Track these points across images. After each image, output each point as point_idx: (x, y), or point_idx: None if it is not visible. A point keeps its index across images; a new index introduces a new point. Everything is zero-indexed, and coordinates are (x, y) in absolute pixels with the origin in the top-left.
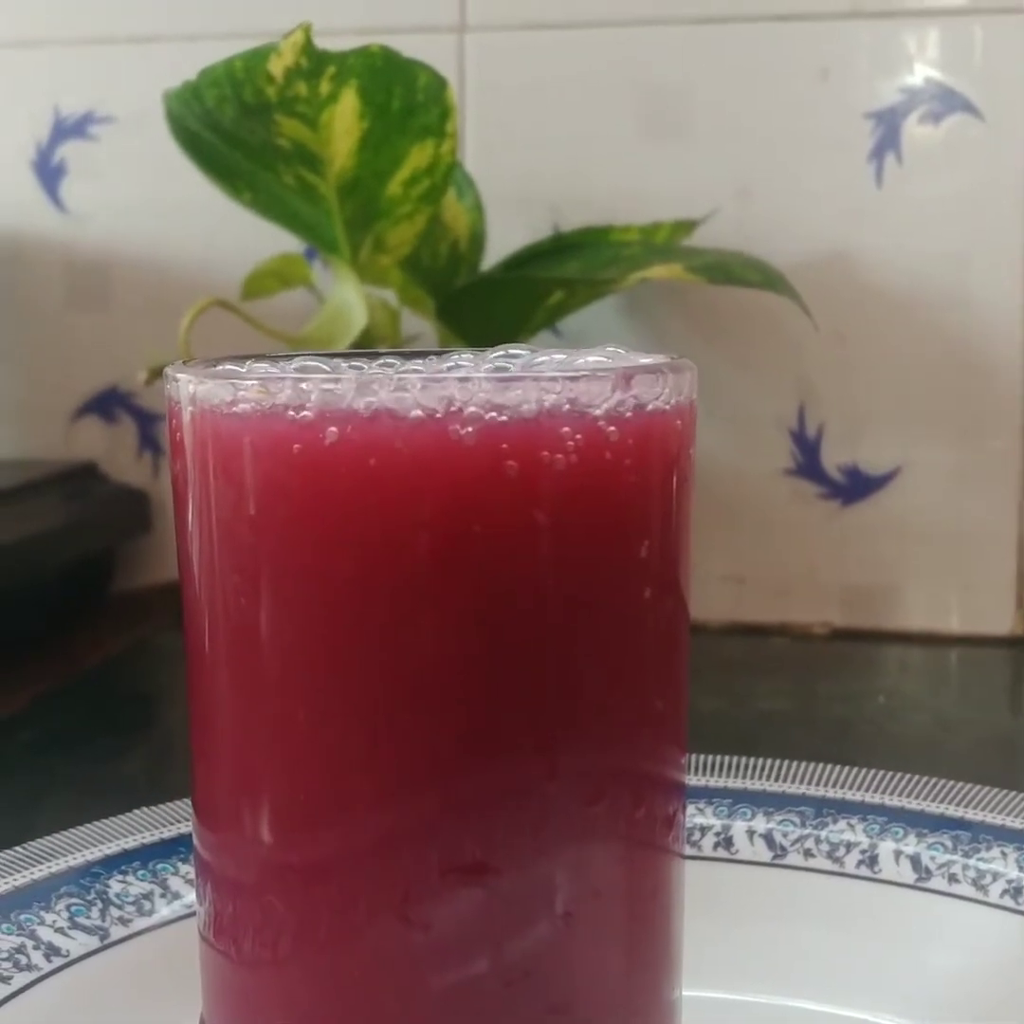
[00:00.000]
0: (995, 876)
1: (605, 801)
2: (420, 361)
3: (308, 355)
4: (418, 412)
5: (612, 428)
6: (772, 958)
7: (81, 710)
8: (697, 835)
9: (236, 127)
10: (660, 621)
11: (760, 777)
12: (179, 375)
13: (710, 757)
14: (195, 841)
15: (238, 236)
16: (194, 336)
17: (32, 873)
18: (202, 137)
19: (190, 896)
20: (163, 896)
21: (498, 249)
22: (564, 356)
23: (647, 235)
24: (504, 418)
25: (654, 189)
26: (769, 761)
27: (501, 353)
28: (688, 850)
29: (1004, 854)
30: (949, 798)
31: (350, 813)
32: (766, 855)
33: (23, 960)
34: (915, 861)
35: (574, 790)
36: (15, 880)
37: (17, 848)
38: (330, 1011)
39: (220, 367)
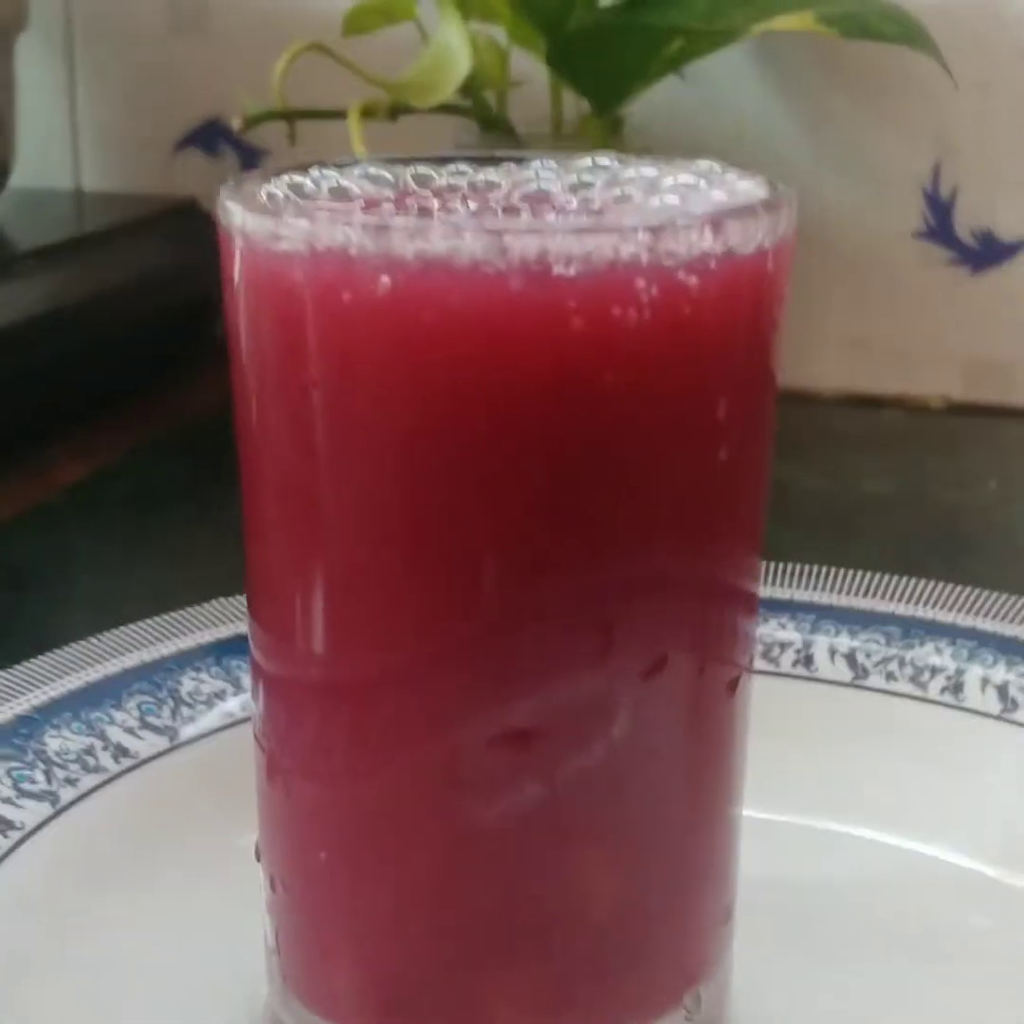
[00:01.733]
0: None
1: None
2: (494, 169)
3: (376, 161)
4: (474, 263)
5: (693, 279)
6: (840, 783)
7: (180, 461)
8: (776, 651)
9: None
10: (738, 482)
11: (847, 592)
12: (228, 203)
13: (796, 566)
14: (250, 643)
15: None
16: (291, 79)
17: (105, 668)
18: None
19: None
20: (235, 694)
21: None
22: (654, 171)
23: None
24: (572, 271)
25: None
26: (858, 574)
27: (587, 165)
28: (765, 666)
29: None
30: None
31: (399, 644)
32: (847, 675)
33: (92, 762)
34: (1002, 691)
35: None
36: (88, 675)
37: (92, 639)
38: (370, 840)
39: (273, 186)
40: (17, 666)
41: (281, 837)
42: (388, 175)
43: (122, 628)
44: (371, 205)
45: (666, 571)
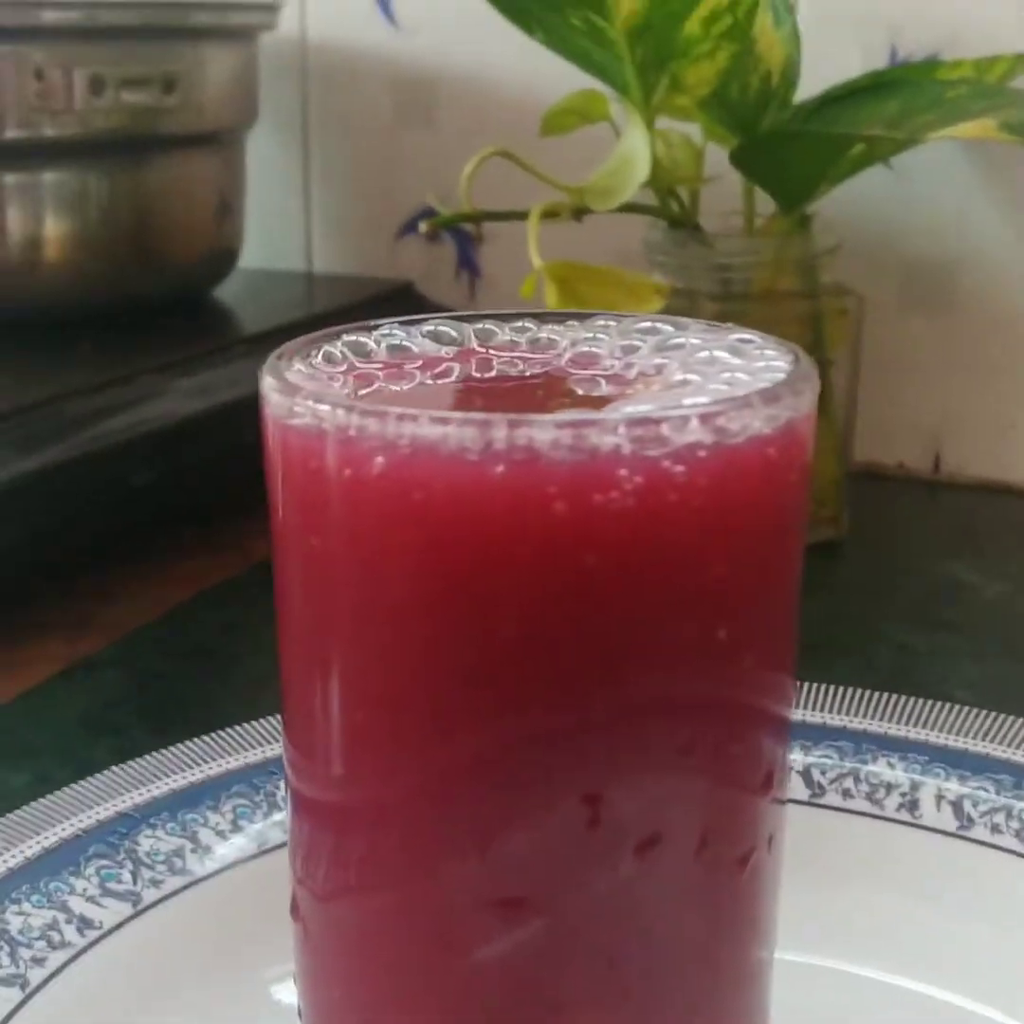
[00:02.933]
0: None
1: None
2: (556, 327)
3: (447, 318)
4: (458, 448)
5: (679, 467)
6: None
7: None
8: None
9: None
10: (739, 658)
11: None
12: (267, 376)
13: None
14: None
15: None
16: (492, 178)
17: (61, 830)
18: None
19: (221, 849)
20: (194, 851)
21: (831, 73)
22: (699, 339)
23: (980, 71)
24: (555, 459)
25: (1003, 12)
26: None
27: (644, 326)
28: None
29: None
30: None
31: (394, 808)
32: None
33: (56, 937)
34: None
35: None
36: (45, 839)
37: (46, 799)
38: (375, 986)
39: (336, 345)
40: None
41: (300, 969)
42: (452, 332)
43: (78, 784)
44: (421, 366)
45: (658, 746)
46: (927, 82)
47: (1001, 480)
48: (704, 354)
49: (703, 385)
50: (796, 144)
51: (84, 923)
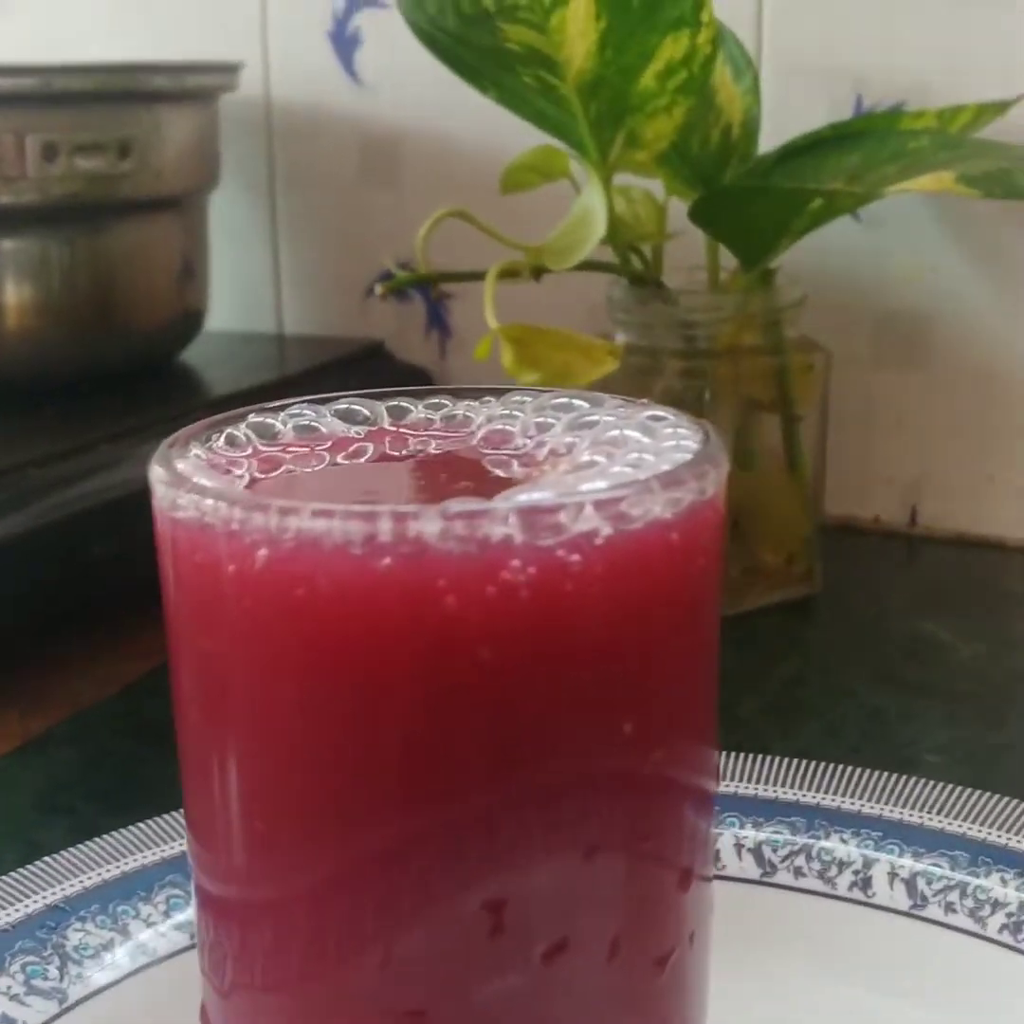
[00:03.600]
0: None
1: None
2: (472, 403)
3: (360, 396)
4: (343, 542)
5: (575, 556)
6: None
7: None
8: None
9: (464, 32)
10: (645, 751)
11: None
12: (155, 466)
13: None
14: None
15: None
16: (439, 238)
17: None
18: (438, 37)
19: (143, 937)
20: (124, 944)
21: (797, 124)
22: (612, 417)
23: (944, 121)
24: (445, 551)
25: (970, 61)
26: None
27: (559, 402)
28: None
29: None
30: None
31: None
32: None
33: None
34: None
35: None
36: None
37: None
38: None
39: (241, 428)
40: None
41: None
42: (364, 411)
43: (7, 875)
44: (330, 447)
45: (563, 846)
46: (890, 133)
47: (978, 534)
48: (615, 433)
49: (607, 468)
50: (755, 199)
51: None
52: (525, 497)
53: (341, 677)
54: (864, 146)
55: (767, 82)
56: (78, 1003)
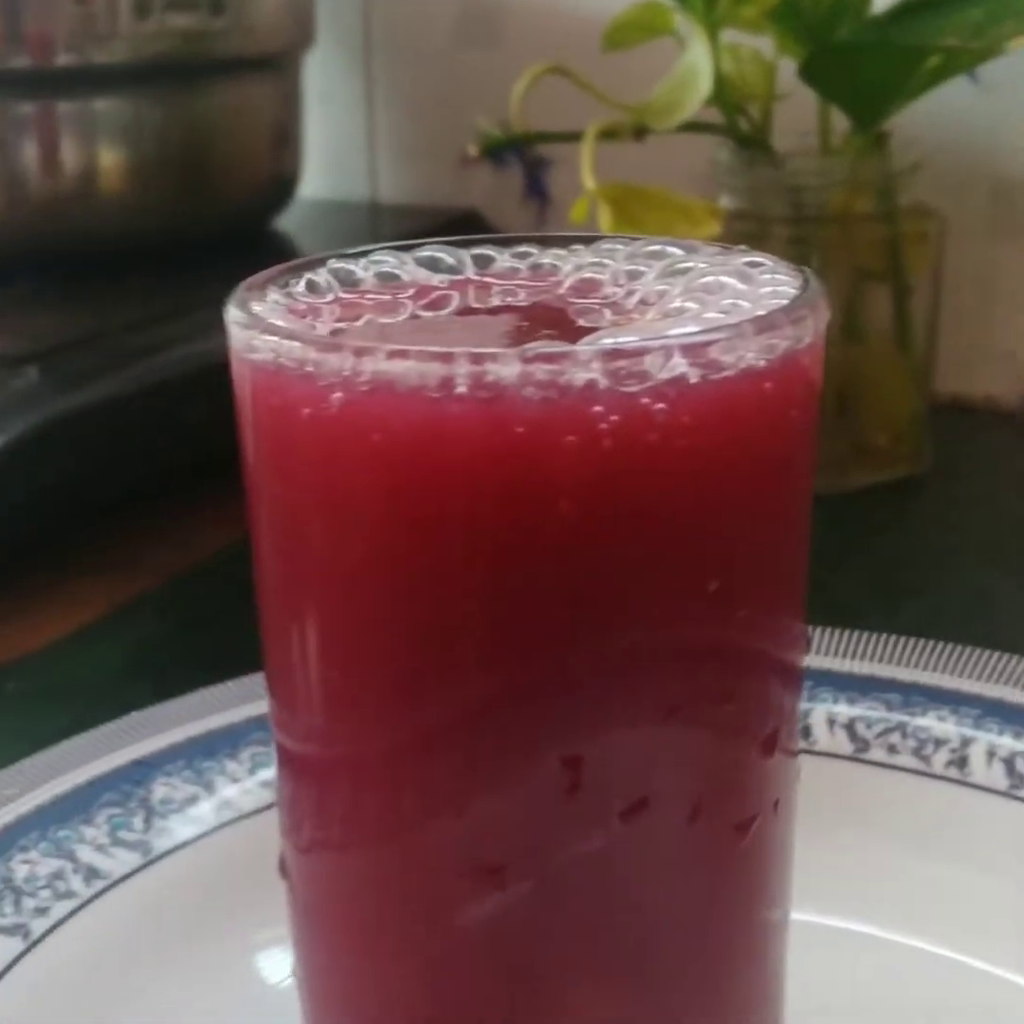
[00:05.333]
0: None
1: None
2: (559, 251)
3: (442, 244)
4: (419, 385)
5: (659, 404)
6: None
7: None
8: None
9: None
10: (732, 610)
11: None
12: (231, 307)
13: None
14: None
15: None
16: (538, 100)
17: (73, 778)
18: None
19: (229, 793)
20: (209, 800)
21: None
22: (706, 263)
23: None
24: (525, 393)
25: None
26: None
27: (650, 250)
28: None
29: None
30: None
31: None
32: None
33: (62, 886)
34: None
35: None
36: (54, 787)
37: (79, 737)
38: (361, 947)
39: (322, 273)
40: None
41: (291, 929)
42: (448, 258)
43: (93, 731)
44: (412, 296)
45: (643, 705)
46: None
47: None
48: (709, 279)
49: (699, 313)
50: (869, 56)
51: (92, 874)
52: (610, 341)
53: (414, 527)
54: (985, 1)
55: None
56: (162, 856)
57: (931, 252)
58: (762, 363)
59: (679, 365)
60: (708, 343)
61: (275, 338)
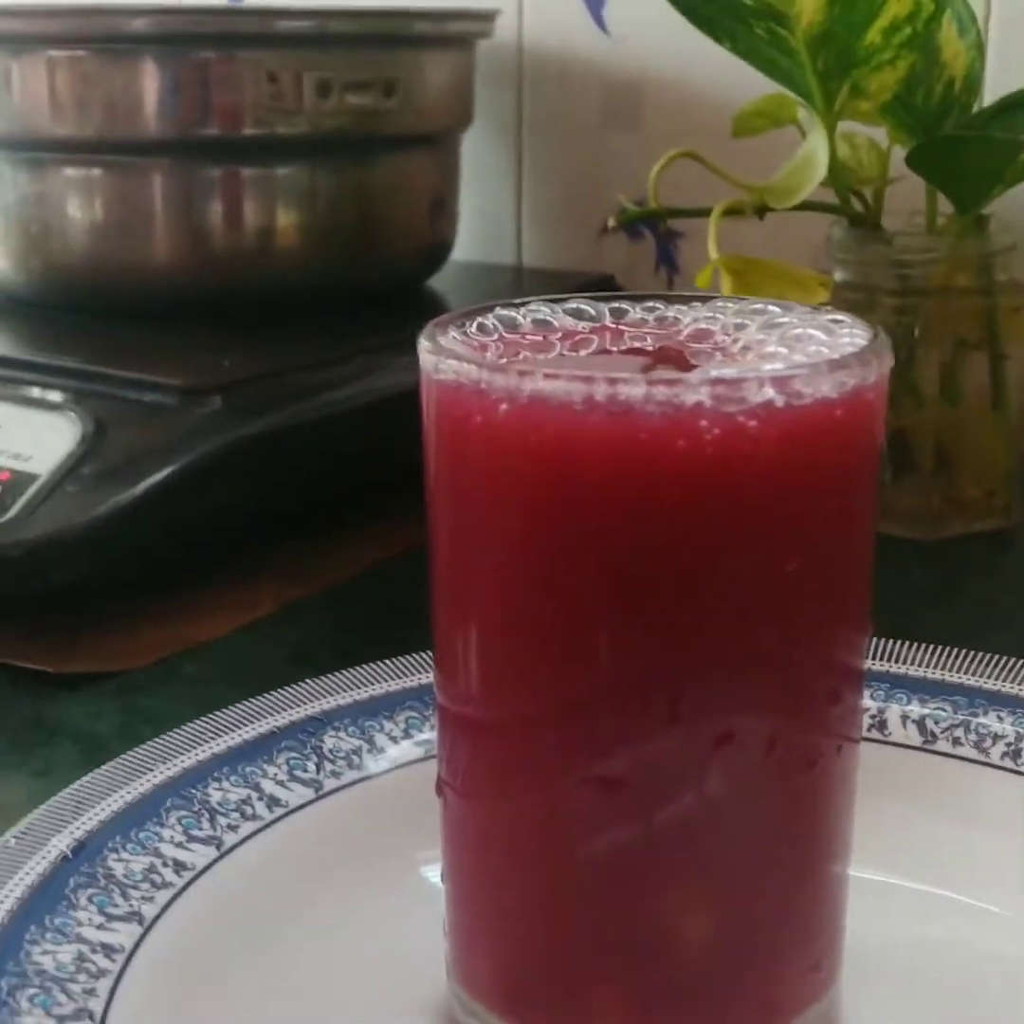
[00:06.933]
0: None
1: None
2: (681, 307)
3: (586, 297)
4: (567, 400)
5: (753, 422)
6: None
7: None
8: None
9: None
10: (808, 592)
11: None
12: (422, 339)
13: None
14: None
15: None
16: (671, 179)
17: (257, 727)
18: None
19: (394, 751)
20: (370, 751)
21: (1015, 80)
22: (796, 320)
23: None
24: (648, 409)
25: None
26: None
27: (754, 308)
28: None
29: None
30: None
31: (518, 703)
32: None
33: (249, 810)
34: None
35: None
36: (242, 734)
37: (250, 701)
38: (499, 854)
39: (489, 317)
40: (180, 728)
41: (445, 840)
42: (590, 310)
43: (277, 691)
44: (560, 338)
45: (732, 657)
46: None
47: None
48: (799, 331)
49: (788, 356)
50: (969, 147)
51: (273, 802)
52: (716, 372)
53: (561, 511)
54: None
55: (995, 38)
56: (332, 791)
57: None
58: (835, 394)
59: (768, 393)
60: (792, 377)
61: (456, 361)
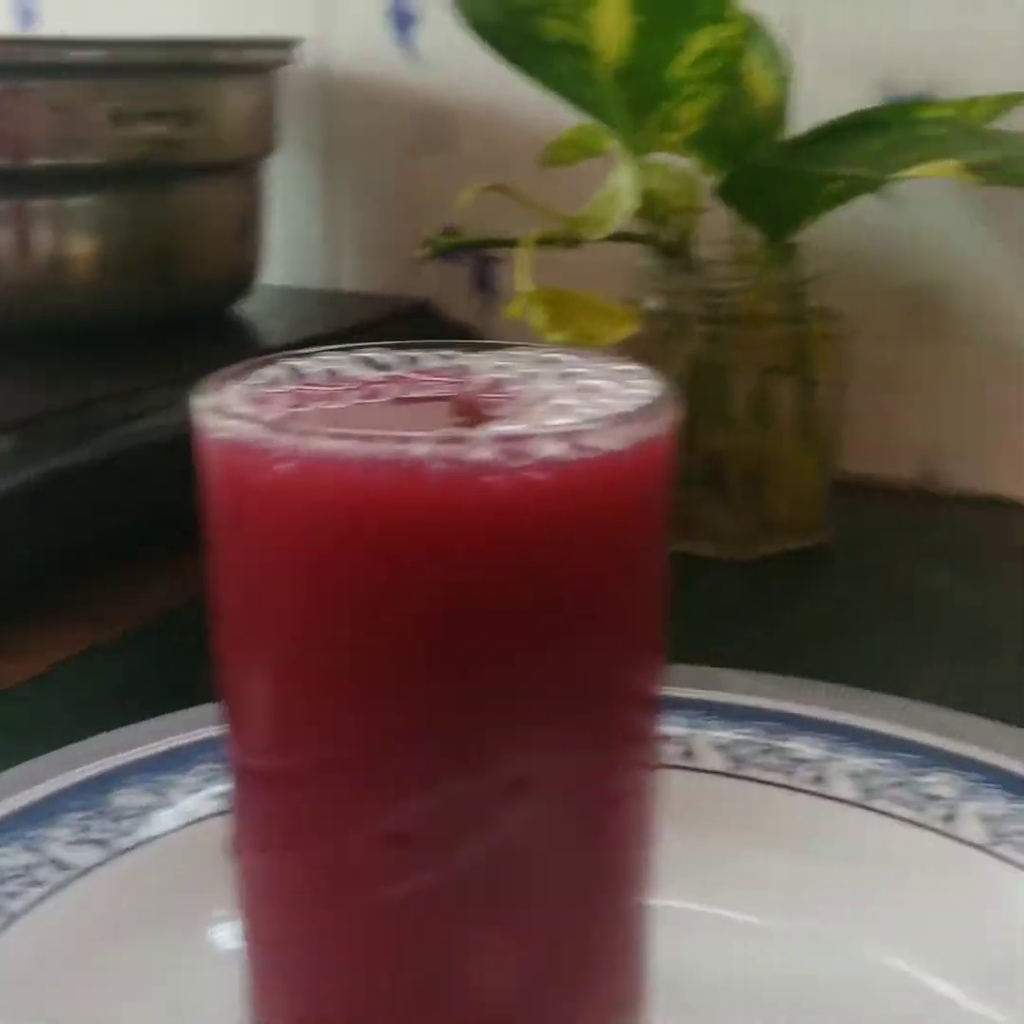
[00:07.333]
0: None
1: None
2: (476, 355)
3: (378, 346)
4: (350, 460)
5: (542, 476)
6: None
7: None
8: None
9: (507, 23)
10: (601, 638)
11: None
12: (198, 396)
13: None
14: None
15: None
16: (485, 205)
17: (42, 788)
18: (484, 27)
19: (188, 805)
20: (162, 808)
21: (828, 109)
22: (591, 369)
23: (964, 111)
24: (436, 466)
25: (993, 52)
26: None
27: (547, 357)
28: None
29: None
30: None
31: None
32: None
33: (34, 876)
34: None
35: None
36: (24, 797)
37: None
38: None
39: (277, 367)
40: None
41: (240, 897)
42: (384, 359)
43: (55, 752)
44: (350, 389)
45: (524, 709)
46: (910, 122)
47: (991, 493)
48: (591, 382)
49: (579, 408)
50: (778, 179)
51: (60, 866)
52: (503, 428)
53: (345, 572)
54: (885, 134)
55: (802, 70)
56: (123, 852)
57: (836, 350)
58: (621, 448)
59: (558, 448)
60: (579, 431)
61: (236, 421)
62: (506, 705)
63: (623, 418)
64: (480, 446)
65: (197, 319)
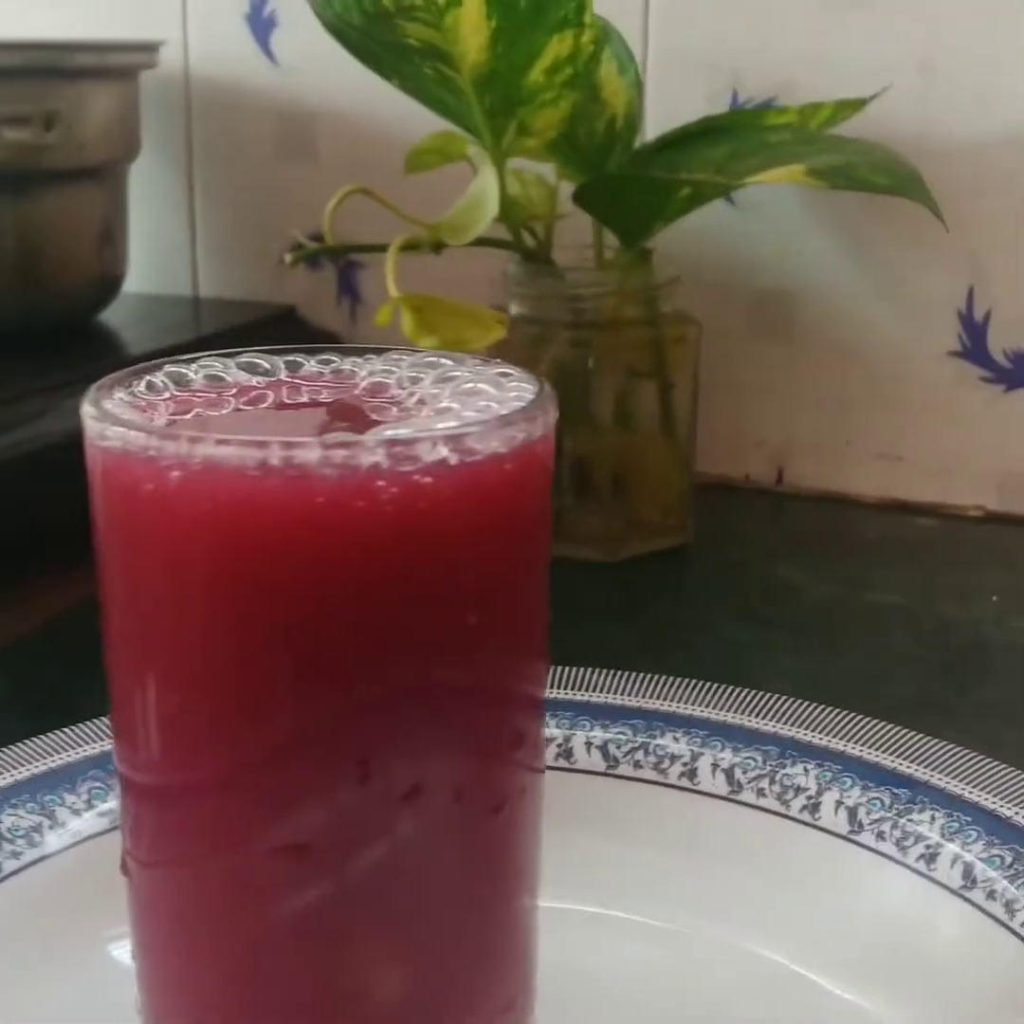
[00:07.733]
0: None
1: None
2: (355, 360)
3: (261, 350)
4: (241, 466)
5: (428, 479)
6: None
7: None
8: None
9: (367, 27)
10: (489, 641)
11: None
12: (85, 404)
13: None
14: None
15: None
16: (350, 211)
17: None
18: (345, 31)
19: (76, 824)
20: (51, 827)
21: (678, 115)
22: (470, 373)
23: (806, 117)
24: (325, 472)
25: (835, 60)
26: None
27: (428, 360)
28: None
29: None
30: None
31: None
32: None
33: None
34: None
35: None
36: None
37: None
38: (185, 927)
39: (159, 375)
40: None
41: (132, 915)
42: (264, 364)
43: None
44: (234, 394)
45: (417, 714)
46: (755, 128)
47: (838, 491)
48: (470, 385)
49: (460, 412)
50: (631, 185)
51: None
52: (391, 433)
53: (237, 578)
54: (731, 140)
55: (653, 77)
56: (12, 874)
57: (689, 353)
58: (504, 449)
59: (442, 451)
60: (464, 434)
61: (123, 429)
62: (398, 712)
63: (505, 420)
64: (369, 450)
65: (60, 328)
